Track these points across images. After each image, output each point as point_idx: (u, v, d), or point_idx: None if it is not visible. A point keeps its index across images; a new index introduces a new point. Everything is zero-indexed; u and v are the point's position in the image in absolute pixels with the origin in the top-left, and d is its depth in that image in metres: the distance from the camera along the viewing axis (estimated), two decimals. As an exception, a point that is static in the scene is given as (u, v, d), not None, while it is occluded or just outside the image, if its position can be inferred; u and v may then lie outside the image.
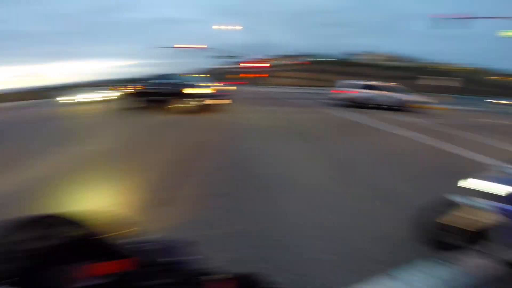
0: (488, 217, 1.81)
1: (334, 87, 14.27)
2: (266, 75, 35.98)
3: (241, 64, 29.35)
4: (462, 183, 1.95)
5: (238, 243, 1.85)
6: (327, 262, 1.77)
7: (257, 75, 32.58)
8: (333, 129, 7.37)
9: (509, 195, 1.76)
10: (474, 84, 47.69)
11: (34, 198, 2.49)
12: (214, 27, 26.34)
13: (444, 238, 2.03)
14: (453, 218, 1.96)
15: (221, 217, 2.22)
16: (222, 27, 26.50)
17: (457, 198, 1.99)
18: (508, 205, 1.74)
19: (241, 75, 30.42)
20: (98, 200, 2.53)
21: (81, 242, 0.45)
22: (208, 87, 9.47)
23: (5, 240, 0.42)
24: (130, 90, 9.99)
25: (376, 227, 2.22)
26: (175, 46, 26.90)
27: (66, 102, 13.87)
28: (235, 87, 16.08)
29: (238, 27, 27.11)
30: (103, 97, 14.41)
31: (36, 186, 2.81)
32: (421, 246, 2.00)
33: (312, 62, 52.12)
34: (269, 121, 7.89)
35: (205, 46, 27.22)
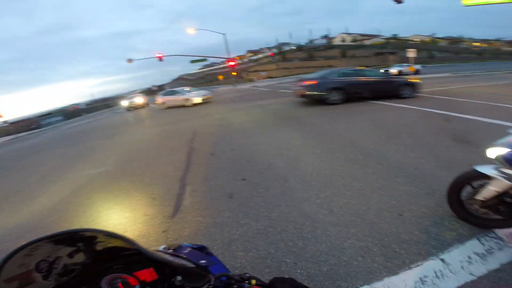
0: None
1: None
2: (235, 73, 37.67)
3: (229, 64, 31.26)
4: (490, 152, 1.96)
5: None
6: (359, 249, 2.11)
7: (234, 73, 34.67)
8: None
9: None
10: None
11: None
12: (189, 30, 27.69)
13: (481, 213, 2.17)
14: (485, 192, 2.04)
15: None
16: (189, 31, 27.82)
17: (484, 169, 2.03)
18: None
19: (233, 74, 33.58)
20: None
21: (114, 253, 0.52)
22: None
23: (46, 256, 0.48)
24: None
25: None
26: (156, 55, 26.92)
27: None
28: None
29: (204, 30, 28.75)
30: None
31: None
32: (461, 223, 2.25)
33: (277, 53, 54.56)
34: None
35: (162, 55, 27.35)
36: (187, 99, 16.43)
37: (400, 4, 13.55)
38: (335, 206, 2.77)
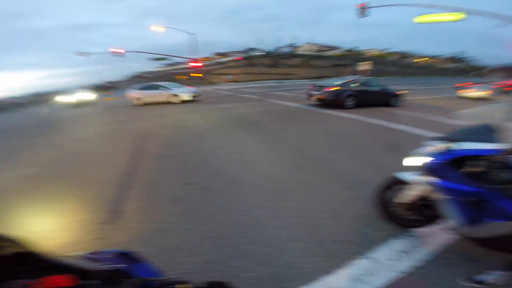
0: (430, 192, 2.08)
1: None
2: (201, 74, 37.11)
3: (190, 64, 30.46)
4: (406, 161, 2.30)
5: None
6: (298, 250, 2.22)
7: (195, 74, 34.07)
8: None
9: (428, 168, 2.03)
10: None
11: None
12: (153, 28, 26.47)
13: (401, 215, 2.45)
14: (404, 196, 2.34)
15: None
16: (156, 28, 26.64)
17: (403, 176, 2.35)
18: (436, 179, 1.96)
19: (192, 74, 33.05)
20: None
21: (20, 258, 0.48)
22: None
23: None
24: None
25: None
26: (114, 50, 25.10)
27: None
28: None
29: (172, 28, 27.94)
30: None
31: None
32: (385, 225, 2.50)
33: (245, 58, 55.33)
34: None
35: (123, 51, 25.99)
36: (175, 95, 15.03)
37: (364, 18, 14.86)
38: (281, 209, 2.88)
